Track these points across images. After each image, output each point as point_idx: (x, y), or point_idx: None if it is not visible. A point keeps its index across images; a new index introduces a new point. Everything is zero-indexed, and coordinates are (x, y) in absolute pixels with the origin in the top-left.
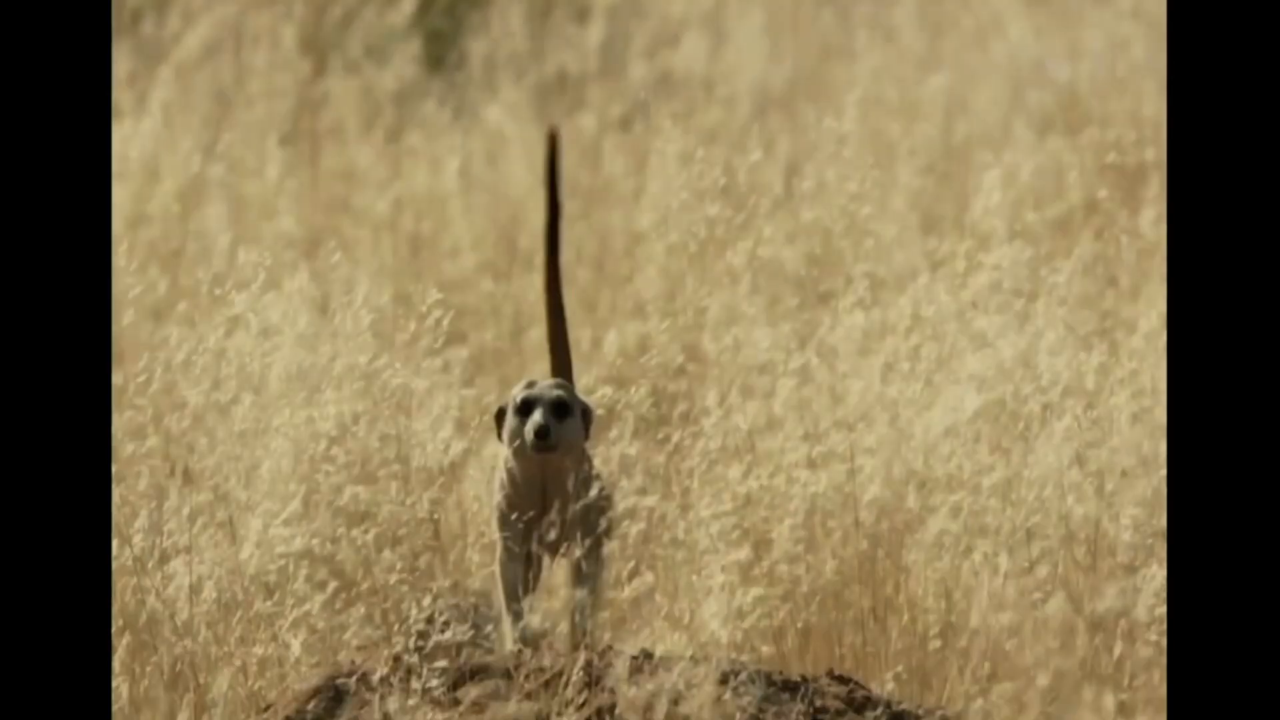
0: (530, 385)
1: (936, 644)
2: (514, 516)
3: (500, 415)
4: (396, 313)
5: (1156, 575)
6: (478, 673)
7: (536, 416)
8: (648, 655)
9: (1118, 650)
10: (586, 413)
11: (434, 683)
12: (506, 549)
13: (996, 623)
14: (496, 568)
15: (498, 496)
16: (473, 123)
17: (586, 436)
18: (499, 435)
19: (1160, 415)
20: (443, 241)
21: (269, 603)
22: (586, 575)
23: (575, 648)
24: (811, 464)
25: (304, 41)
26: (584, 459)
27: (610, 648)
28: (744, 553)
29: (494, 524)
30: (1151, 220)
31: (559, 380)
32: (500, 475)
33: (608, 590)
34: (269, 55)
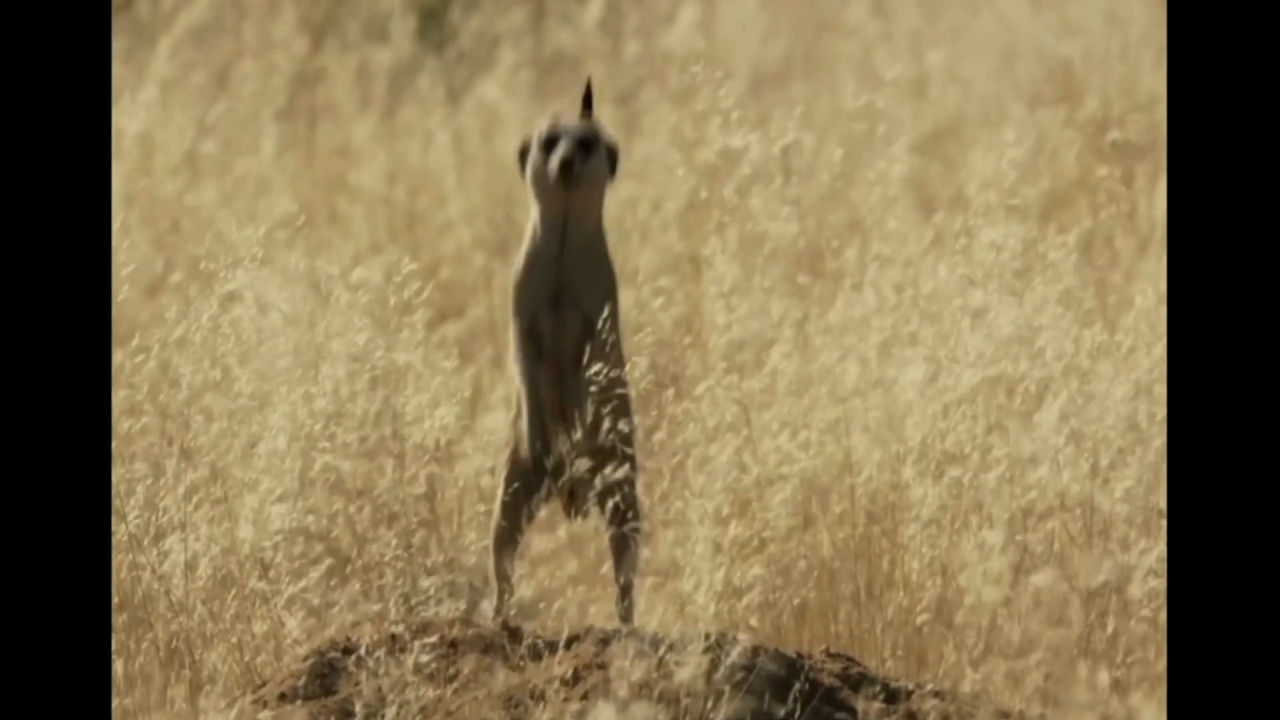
0: (555, 119)
1: (931, 620)
2: (530, 289)
3: (524, 154)
4: (390, 287)
5: (1150, 551)
6: (470, 647)
7: (561, 150)
8: (641, 630)
9: (1112, 626)
10: (612, 151)
11: (426, 657)
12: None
13: (991, 599)
14: (522, 430)
15: (518, 264)
16: (468, 99)
17: (612, 176)
18: (521, 174)
19: (1156, 391)
20: (437, 217)
21: (264, 580)
22: (627, 556)
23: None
24: (807, 441)
25: (301, 18)
26: (602, 236)
27: (624, 627)
28: (739, 530)
29: (510, 307)
30: (1146, 195)
31: (584, 114)
32: (524, 240)
33: (641, 561)
34: (266, 32)
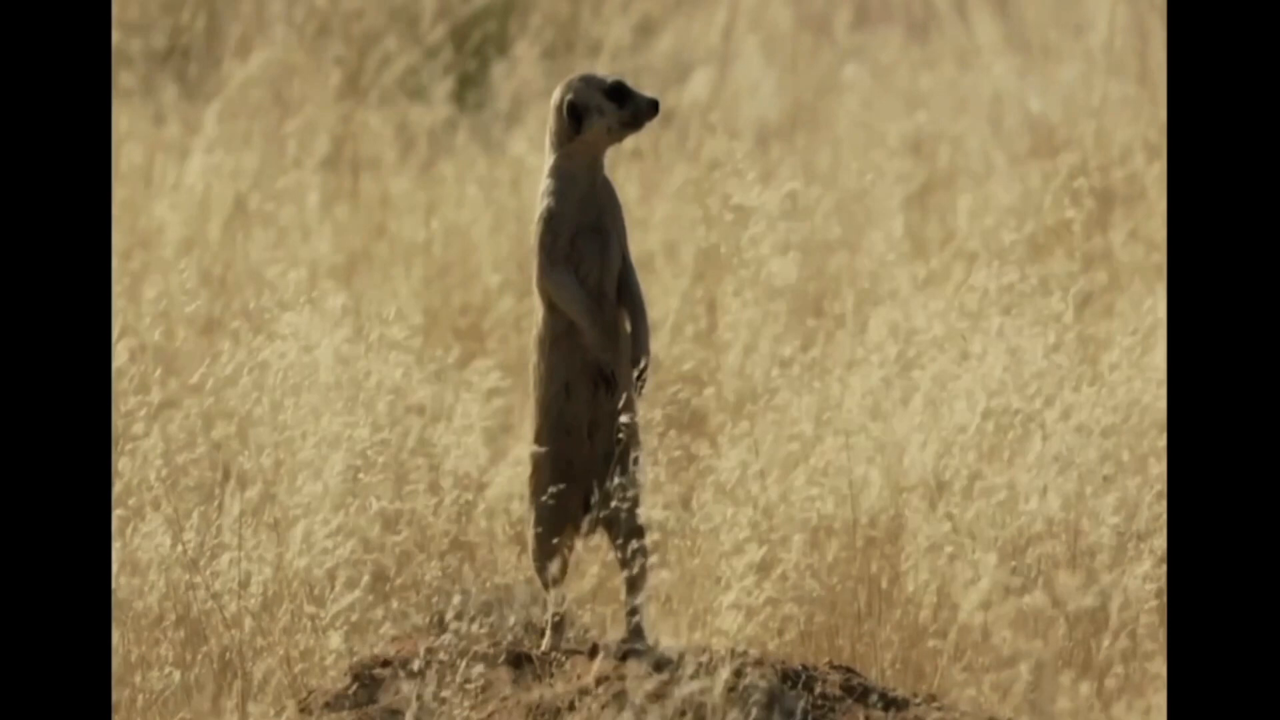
0: (601, 77)
1: (928, 637)
2: (570, 216)
3: (573, 109)
4: (428, 327)
5: (1129, 572)
6: (504, 662)
7: (647, 93)
8: (663, 647)
9: (1094, 642)
10: None
11: (462, 671)
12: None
13: (983, 617)
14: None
15: (546, 204)
16: (498, 154)
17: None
18: (574, 126)
19: (1136, 423)
20: (470, 263)
21: (310, 598)
22: (636, 578)
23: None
24: (814, 473)
25: (345, 79)
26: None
27: (650, 641)
28: (752, 555)
29: (537, 244)
30: (1122, 240)
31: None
32: (546, 185)
33: (651, 576)
34: (313, 91)
